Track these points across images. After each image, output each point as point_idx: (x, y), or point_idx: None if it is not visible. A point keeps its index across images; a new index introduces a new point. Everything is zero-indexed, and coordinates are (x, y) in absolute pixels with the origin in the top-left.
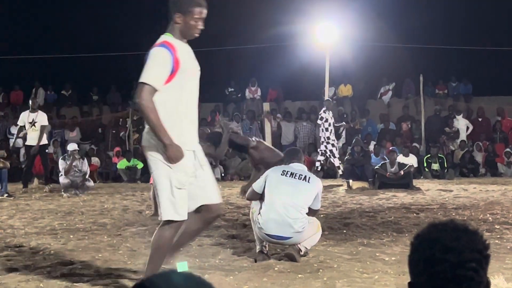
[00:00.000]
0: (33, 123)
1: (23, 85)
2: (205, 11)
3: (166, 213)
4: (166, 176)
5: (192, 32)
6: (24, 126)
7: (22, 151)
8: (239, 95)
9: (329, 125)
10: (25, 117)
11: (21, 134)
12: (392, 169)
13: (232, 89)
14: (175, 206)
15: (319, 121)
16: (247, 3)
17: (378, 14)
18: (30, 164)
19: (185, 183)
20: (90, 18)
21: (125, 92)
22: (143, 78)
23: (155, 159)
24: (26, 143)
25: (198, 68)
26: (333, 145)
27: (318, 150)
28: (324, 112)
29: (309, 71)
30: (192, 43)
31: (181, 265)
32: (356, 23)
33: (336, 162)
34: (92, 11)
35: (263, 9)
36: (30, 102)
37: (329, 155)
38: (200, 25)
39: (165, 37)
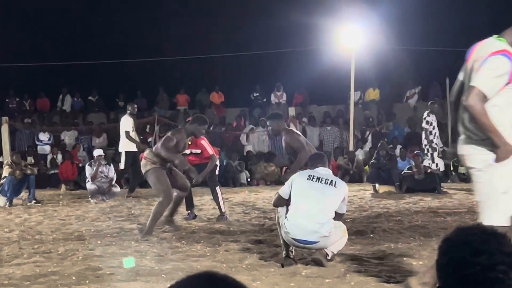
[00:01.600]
0: (133, 129)
1: (49, 92)
2: None
3: (493, 217)
4: (500, 178)
5: None
6: (129, 131)
7: (49, 157)
8: (265, 99)
9: (433, 128)
10: (129, 122)
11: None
12: (419, 174)
13: (257, 94)
14: (504, 210)
15: (424, 125)
16: (272, 8)
17: (404, 16)
18: (135, 170)
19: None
20: (115, 25)
21: (151, 98)
22: (478, 82)
23: (483, 165)
24: (127, 150)
25: None
26: (435, 149)
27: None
28: (428, 115)
29: (335, 75)
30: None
31: (128, 261)
32: (381, 26)
33: (434, 167)
34: (118, 17)
35: (288, 14)
36: (130, 107)
37: (429, 159)
38: None
39: (502, 45)
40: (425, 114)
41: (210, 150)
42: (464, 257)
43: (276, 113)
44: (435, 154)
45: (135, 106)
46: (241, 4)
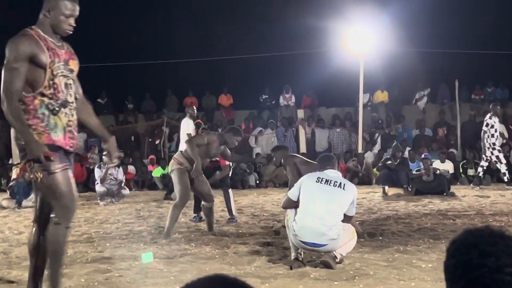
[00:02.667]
0: (194, 131)
1: None
2: None
3: None
4: None
5: None
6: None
7: None
8: (273, 102)
9: (495, 130)
10: (190, 125)
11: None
12: (427, 176)
13: (266, 96)
14: None
15: (485, 128)
16: (282, 11)
17: (413, 19)
18: None
19: None
20: (124, 27)
21: (160, 100)
22: None
23: None
24: None
25: None
26: (499, 151)
27: (483, 156)
28: (490, 118)
29: (343, 78)
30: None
31: (146, 256)
32: (390, 29)
33: (503, 168)
34: (127, 20)
35: (297, 16)
36: (190, 109)
37: (495, 161)
38: None
39: None
40: (487, 116)
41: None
42: (471, 259)
43: (282, 146)
44: (501, 156)
45: (195, 108)
46: (250, 7)
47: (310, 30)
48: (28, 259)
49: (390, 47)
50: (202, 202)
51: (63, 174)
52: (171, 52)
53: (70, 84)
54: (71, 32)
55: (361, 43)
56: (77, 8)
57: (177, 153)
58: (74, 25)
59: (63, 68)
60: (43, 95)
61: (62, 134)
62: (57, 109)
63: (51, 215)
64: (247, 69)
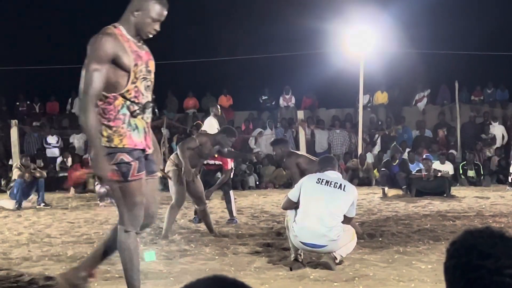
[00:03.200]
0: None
1: (59, 96)
2: None
3: None
4: None
5: None
6: None
7: (58, 160)
8: (273, 102)
9: None
10: (215, 123)
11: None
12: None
13: (266, 97)
14: None
15: None
16: (281, 12)
17: (413, 20)
18: None
19: None
20: None
21: (160, 101)
22: None
23: None
24: None
25: None
26: None
27: None
28: None
29: (343, 79)
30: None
31: (149, 255)
32: (390, 30)
33: None
34: None
35: (296, 17)
36: (214, 108)
37: None
38: None
39: None
40: None
41: (230, 165)
42: (471, 260)
43: (281, 139)
44: None
45: (219, 107)
46: (250, 8)
47: (310, 31)
48: (28, 260)
49: (390, 48)
50: (195, 206)
51: (138, 183)
52: (170, 53)
53: (149, 86)
54: (151, 36)
55: (361, 44)
56: (165, 13)
57: (173, 154)
58: (159, 29)
59: (144, 71)
60: (124, 97)
61: (143, 136)
62: (138, 112)
63: (119, 224)
64: (247, 70)
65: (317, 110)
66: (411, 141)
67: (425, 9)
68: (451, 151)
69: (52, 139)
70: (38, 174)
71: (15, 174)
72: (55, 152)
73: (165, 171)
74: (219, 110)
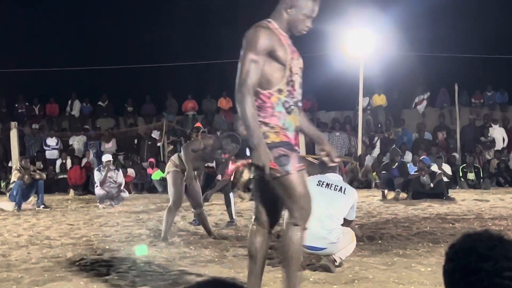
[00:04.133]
0: None
1: (59, 98)
2: None
3: None
4: None
5: None
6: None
7: (58, 162)
8: None
9: None
10: None
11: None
12: (424, 178)
13: None
14: None
15: None
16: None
17: (412, 23)
18: None
19: None
20: (124, 30)
21: (160, 103)
22: None
23: None
24: None
25: None
26: None
27: None
28: None
29: (343, 81)
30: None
31: (140, 249)
32: (390, 32)
33: None
34: (127, 23)
35: None
36: None
37: None
38: None
39: None
40: None
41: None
42: (470, 263)
43: None
44: None
45: None
46: (250, 10)
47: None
48: (27, 261)
49: (389, 51)
50: (192, 209)
51: (300, 175)
52: (171, 56)
53: (301, 83)
54: (304, 33)
55: (361, 46)
56: (317, 9)
57: (174, 155)
58: (311, 26)
59: (298, 66)
60: (280, 92)
61: (293, 134)
62: (292, 107)
63: (287, 219)
64: None
65: (316, 112)
66: (411, 143)
67: (425, 12)
68: (453, 154)
69: (51, 141)
70: (37, 176)
71: (15, 176)
72: (55, 154)
73: (165, 172)
74: None
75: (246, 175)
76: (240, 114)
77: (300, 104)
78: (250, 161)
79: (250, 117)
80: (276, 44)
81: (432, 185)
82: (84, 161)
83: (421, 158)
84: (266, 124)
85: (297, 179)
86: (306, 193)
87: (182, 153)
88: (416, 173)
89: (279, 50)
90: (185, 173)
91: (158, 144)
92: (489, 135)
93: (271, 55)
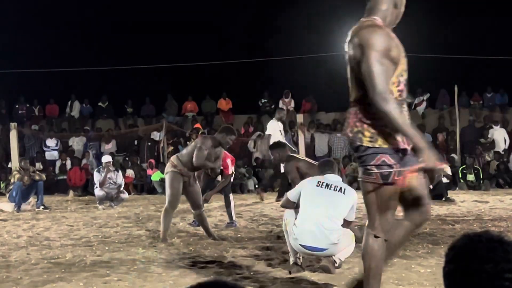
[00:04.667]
0: (281, 133)
1: (58, 98)
2: None
3: None
4: None
5: None
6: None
7: (58, 163)
8: (273, 106)
9: None
10: (275, 127)
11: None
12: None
13: (265, 100)
14: None
15: None
16: (281, 14)
17: (412, 24)
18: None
19: None
20: (124, 31)
21: (160, 104)
22: None
23: None
24: None
25: None
26: None
27: None
28: None
29: (343, 82)
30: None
31: None
32: None
33: None
34: (127, 24)
35: (296, 21)
36: (279, 112)
37: None
38: None
39: None
40: None
41: (230, 169)
42: (470, 265)
43: (279, 142)
44: None
45: (285, 112)
46: (250, 12)
47: (310, 34)
48: (26, 262)
49: None
50: (191, 210)
51: (395, 188)
52: (170, 57)
53: (407, 80)
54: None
55: None
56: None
57: (173, 156)
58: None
59: (406, 64)
60: (391, 92)
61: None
62: (403, 107)
63: (368, 228)
64: (246, 74)
65: (316, 113)
66: None
67: (425, 13)
68: (452, 155)
69: (51, 142)
70: (37, 177)
71: (14, 177)
72: (55, 155)
73: (164, 172)
74: (284, 114)
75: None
76: (387, 119)
77: (407, 101)
78: (418, 166)
79: (401, 121)
80: (391, 43)
81: (431, 186)
82: (83, 162)
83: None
84: (374, 126)
85: (392, 191)
86: (395, 207)
87: (195, 154)
88: None
89: (393, 49)
90: (211, 170)
91: (157, 145)
92: (489, 136)
93: (387, 54)
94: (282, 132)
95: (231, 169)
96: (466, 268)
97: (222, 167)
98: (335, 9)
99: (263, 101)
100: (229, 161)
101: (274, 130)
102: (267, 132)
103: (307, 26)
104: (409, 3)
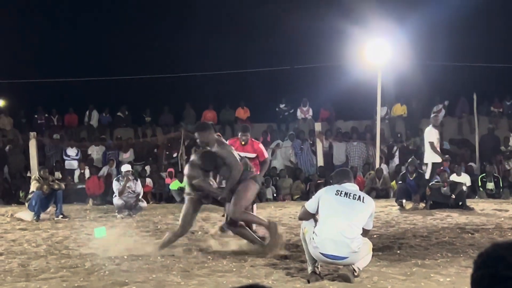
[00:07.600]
0: (438, 141)
1: (77, 108)
2: None
3: None
4: None
5: None
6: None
7: (77, 172)
8: (291, 111)
9: None
10: (434, 134)
11: None
12: (445, 189)
13: (283, 105)
14: None
15: None
16: (299, 23)
17: (431, 32)
18: None
19: None
20: (142, 41)
21: (178, 113)
22: None
23: None
24: (433, 161)
25: None
26: None
27: None
28: None
29: (361, 91)
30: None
31: (99, 231)
32: (408, 42)
33: None
34: (145, 33)
35: (314, 29)
36: (433, 119)
37: None
38: None
39: None
40: None
41: (266, 153)
42: (498, 271)
43: (204, 123)
44: None
45: (438, 117)
46: (268, 21)
47: (328, 43)
48: (46, 271)
49: (408, 60)
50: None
51: None
52: (189, 66)
53: None
54: None
55: (379, 56)
56: None
57: (195, 180)
58: None
59: None
60: None
61: None
62: None
63: None
64: (264, 83)
65: (334, 122)
66: None
67: (443, 21)
68: (470, 163)
69: (71, 151)
70: (56, 186)
71: (34, 186)
72: (74, 164)
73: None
74: (438, 121)
75: None
76: None
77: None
78: None
79: None
80: None
81: (454, 196)
82: (100, 172)
83: (441, 168)
84: None
85: None
86: None
87: (236, 169)
88: (437, 183)
89: None
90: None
91: (175, 155)
92: (509, 144)
93: None
94: (439, 138)
95: (266, 153)
96: (494, 275)
97: (256, 153)
98: (352, 18)
99: (280, 105)
100: (261, 146)
101: (432, 137)
102: (426, 140)
103: (323, 35)
104: (427, 12)
